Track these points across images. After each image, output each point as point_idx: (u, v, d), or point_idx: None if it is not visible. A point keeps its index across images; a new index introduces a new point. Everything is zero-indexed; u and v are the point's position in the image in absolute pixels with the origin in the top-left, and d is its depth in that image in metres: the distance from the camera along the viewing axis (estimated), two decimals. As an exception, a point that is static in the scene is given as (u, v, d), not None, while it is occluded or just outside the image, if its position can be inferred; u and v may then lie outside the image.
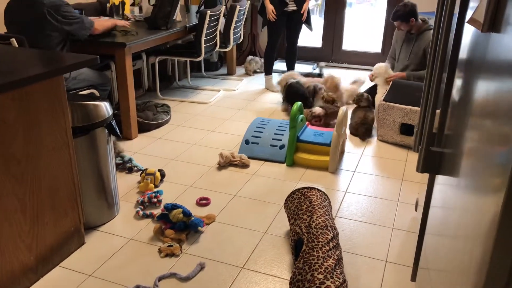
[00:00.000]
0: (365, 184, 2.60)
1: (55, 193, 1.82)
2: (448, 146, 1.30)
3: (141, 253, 1.96)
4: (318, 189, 2.08)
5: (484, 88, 0.96)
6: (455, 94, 1.31)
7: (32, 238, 1.73)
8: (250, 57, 4.93)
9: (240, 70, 4.99)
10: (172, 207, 2.10)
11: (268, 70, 4.37)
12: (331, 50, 5.25)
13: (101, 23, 2.96)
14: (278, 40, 4.27)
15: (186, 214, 2.07)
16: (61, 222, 1.87)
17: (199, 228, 2.08)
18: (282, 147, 2.88)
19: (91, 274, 1.82)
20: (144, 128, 3.27)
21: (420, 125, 1.43)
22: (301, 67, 4.78)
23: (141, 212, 2.24)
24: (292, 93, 3.69)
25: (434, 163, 1.31)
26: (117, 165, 2.71)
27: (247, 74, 4.86)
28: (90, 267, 1.86)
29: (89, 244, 2.01)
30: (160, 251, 1.96)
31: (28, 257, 1.72)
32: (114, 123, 2.10)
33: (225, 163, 2.78)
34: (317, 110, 3.37)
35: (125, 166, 2.71)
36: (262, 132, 3.01)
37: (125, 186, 2.51)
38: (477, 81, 1.03)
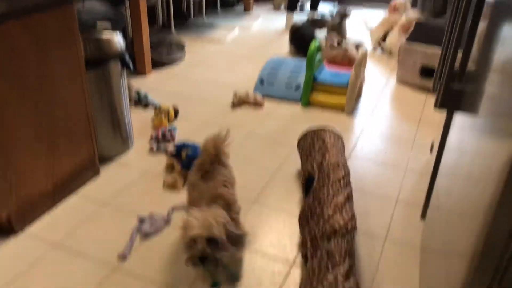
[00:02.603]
0: (381, 126, 2.56)
1: (69, 124, 1.83)
2: (469, 83, 1.25)
3: (155, 186, 2.00)
4: (332, 130, 2.06)
5: (509, 29, 0.90)
6: (481, 31, 1.24)
7: (49, 165, 1.77)
8: None
9: (257, 7, 4.83)
10: (183, 146, 2.11)
11: (291, 5, 4.15)
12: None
13: None
14: None
15: (193, 155, 2.06)
16: (76, 152, 1.91)
17: None
18: (297, 87, 2.83)
19: (106, 203, 1.87)
20: (158, 64, 3.24)
21: (441, 62, 1.37)
22: (323, 7, 4.61)
23: (154, 147, 2.27)
24: (298, 36, 3.55)
25: (453, 99, 1.27)
26: (134, 101, 2.72)
27: (276, 8, 4.68)
28: (105, 196, 1.91)
29: (104, 175, 2.06)
30: (164, 183, 1.99)
31: (45, 184, 1.77)
32: (127, 56, 2.07)
33: (239, 102, 2.76)
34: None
35: (141, 102, 2.72)
36: (277, 71, 2.96)
37: (139, 121, 2.53)
38: (502, 22, 0.97)
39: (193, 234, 1.27)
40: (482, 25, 1.24)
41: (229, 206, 1.47)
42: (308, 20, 3.72)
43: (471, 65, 1.30)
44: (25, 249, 1.62)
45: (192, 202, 1.51)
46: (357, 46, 3.55)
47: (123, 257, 1.58)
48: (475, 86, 1.15)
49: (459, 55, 1.30)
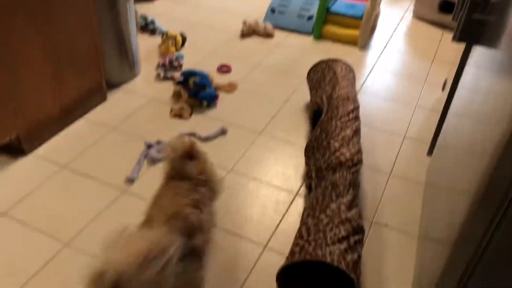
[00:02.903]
0: (394, 62, 2.50)
1: (76, 47, 1.79)
2: (492, 14, 1.19)
3: (162, 113, 1.99)
4: (344, 62, 2.01)
5: None
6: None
7: (55, 89, 1.76)
8: None
9: None
10: (189, 74, 2.07)
11: None
12: None
13: None
14: None
15: (200, 83, 2.03)
16: (83, 77, 1.88)
17: (208, 102, 2.03)
18: (310, 18, 2.73)
19: (113, 128, 1.88)
20: (166, -11, 3.11)
21: (464, -9, 1.30)
22: None
23: (161, 75, 2.23)
24: None
25: (473, 31, 1.22)
26: (140, 27, 2.64)
27: None
28: (112, 121, 1.91)
29: (111, 101, 2.05)
30: (171, 110, 1.98)
31: (53, 107, 1.77)
32: (134, -23, 1.98)
33: (249, 32, 2.68)
34: None
35: (148, 28, 2.64)
36: (289, 1, 2.84)
37: (146, 48, 2.47)
38: None
39: (98, 269, 0.89)
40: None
41: (191, 233, 1.05)
42: None
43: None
44: (34, 169, 1.65)
45: (147, 221, 1.12)
46: None
47: (130, 180, 1.61)
48: (499, 17, 1.09)
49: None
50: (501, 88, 0.89)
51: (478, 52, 1.29)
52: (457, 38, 1.25)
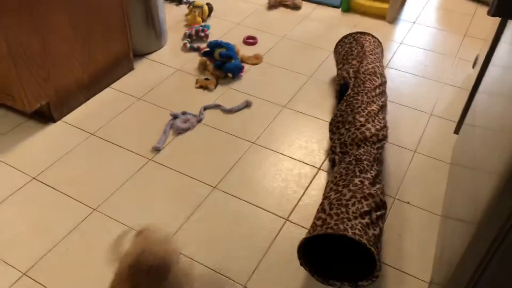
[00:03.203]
0: (424, 36, 2.43)
1: (104, 16, 1.81)
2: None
3: (188, 84, 2.00)
4: (372, 35, 1.97)
5: None
6: None
7: (84, 57, 1.78)
8: None
9: None
10: (216, 45, 2.06)
11: None
12: None
13: None
14: None
15: (226, 55, 2.02)
16: (111, 45, 1.90)
17: (234, 74, 2.03)
18: (339, -11, 2.67)
19: (140, 97, 1.90)
20: (193, -42, 3.07)
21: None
22: None
23: (188, 45, 2.24)
24: None
25: (510, 6, 1.17)
26: (166, -4, 2.63)
27: None
28: (139, 91, 1.94)
29: (138, 70, 2.07)
30: (196, 82, 1.99)
31: (82, 75, 1.80)
32: None
33: (276, 3, 2.64)
34: None
35: (174, -3, 2.63)
36: (319, -29, 2.77)
37: (173, 18, 2.47)
38: None
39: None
40: None
41: None
42: None
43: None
44: (63, 136, 1.70)
45: None
46: None
47: (156, 149, 1.64)
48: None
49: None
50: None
51: (513, 31, 1.25)
52: (493, 12, 1.20)
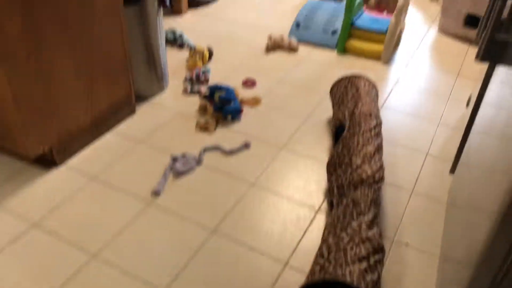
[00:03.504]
0: (418, 77, 2.49)
1: (107, 60, 1.87)
2: (515, 35, 1.19)
3: (188, 127, 2.05)
4: (367, 78, 2.03)
5: None
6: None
7: (87, 101, 1.83)
8: None
9: None
10: (215, 89, 2.12)
11: None
12: None
13: None
14: None
15: (226, 98, 2.08)
16: (113, 90, 1.96)
17: (233, 116, 2.08)
18: (334, 32, 2.76)
19: (141, 141, 1.94)
20: (194, 4, 3.20)
21: (488, 10, 1.31)
22: None
23: (189, 88, 2.30)
24: None
25: (496, 52, 1.22)
26: (169, 41, 2.72)
27: None
28: (140, 134, 1.98)
29: (139, 114, 2.12)
30: (196, 124, 2.04)
31: (84, 119, 1.85)
32: (164, -6, 2.06)
33: (274, 46, 2.72)
34: None
35: (176, 42, 2.72)
36: (314, 15, 2.87)
37: (174, 62, 2.54)
38: None
39: None
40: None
41: None
42: None
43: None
44: (65, 180, 1.72)
45: None
46: None
47: (156, 193, 1.66)
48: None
49: (509, 2, 1.23)
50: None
51: (503, 71, 1.29)
52: (480, 57, 1.25)
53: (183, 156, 1.83)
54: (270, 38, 2.71)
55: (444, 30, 2.95)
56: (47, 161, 1.78)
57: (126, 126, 2.03)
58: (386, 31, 2.57)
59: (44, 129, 1.68)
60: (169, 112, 2.14)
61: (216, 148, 1.91)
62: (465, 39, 2.87)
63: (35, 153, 1.68)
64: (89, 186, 1.70)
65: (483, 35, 1.24)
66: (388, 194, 1.71)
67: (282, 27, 2.98)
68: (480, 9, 2.71)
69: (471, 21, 2.80)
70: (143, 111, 2.14)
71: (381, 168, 1.59)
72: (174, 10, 3.10)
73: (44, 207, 1.60)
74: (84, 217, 1.57)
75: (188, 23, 3.00)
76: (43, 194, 1.66)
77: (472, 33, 2.81)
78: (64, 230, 1.52)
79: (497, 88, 1.31)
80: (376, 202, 1.46)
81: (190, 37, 2.78)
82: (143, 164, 1.81)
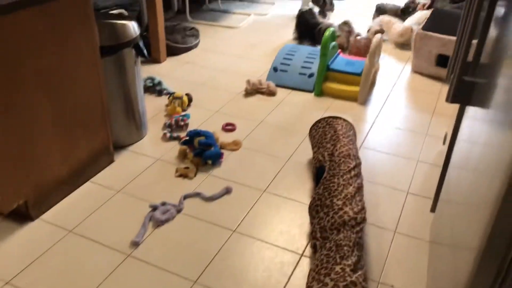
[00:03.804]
0: (394, 116, 2.54)
1: (84, 111, 1.86)
2: (481, 76, 1.23)
3: (168, 173, 2.03)
4: (344, 119, 2.06)
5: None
6: (495, 22, 1.22)
7: (64, 152, 1.81)
8: None
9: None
10: (195, 134, 2.13)
11: None
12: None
13: None
14: None
15: (205, 143, 2.07)
16: (91, 139, 1.94)
17: (213, 161, 2.07)
18: (311, 75, 2.82)
19: (120, 190, 1.91)
20: (172, 51, 3.25)
21: (455, 53, 1.36)
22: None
23: (168, 135, 2.29)
24: (302, 23, 3.49)
25: (465, 93, 1.26)
26: (147, 88, 2.74)
27: None
28: (119, 183, 1.95)
29: (118, 162, 2.09)
30: (176, 171, 2.02)
31: (61, 171, 1.81)
32: (141, 43, 2.09)
33: (252, 90, 2.76)
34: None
35: (155, 89, 2.74)
36: (291, 59, 2.94)
37: (153, 108, 2.55)
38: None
39: None
40: (497, 14, 1.22)
41: None
42: (311, 7, 3.68)
43: (484, 57, 1.28)
44: (40, 235, 1.67)
45: None
46: (377, 33, 3.49)
47: (135, 244, 1.62)
48: (488, 79, 1.14)
49: (474, 42, 1.28)
50: (494, 143, 0.91)
51: (473, 109, 1.33)
52: (450, 99, 1.29)
53: (163, 204, 1.80)
54: (248, 82, 2.76)
55: (417, 70, 3.05)
56: (22, 215, 1.73)
57: (104, 176, 2.00)
58: (361, 73, 2.64)
59: (19, 182, 1.64)
60: (148, 159, 2.12)
61: (196, 194, 1.88)
62: (438, 78, 2.97)
63: (9, 209, 1.63)
64: (66, 240, 1.64)
65: (451, 77, 1.28)
66: (371, 234, 1.70)
67: (260, 71, 3.04)
68: (450, 50, 2.81)
69: (442, 61, 2.90)
70: (122, 159, 2.12)
71: (362, 209, 1.59)
72: (153, 58, 3.14)
73: (17, 265, 1.54)
74: (59, 274, 1.51)
75: (167, 70, 3.04)
76: (16, 251, 1.59)
77: (444, 72, 2.91)
78: None
79: (469, 125, 1.34)
80: (360, 245, 1.44)
81: (169, 84, 2.81)
82: (121, 214, 1.77)
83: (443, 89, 2.86)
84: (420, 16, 3.42)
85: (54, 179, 1.79)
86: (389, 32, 3.52)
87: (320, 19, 3.48)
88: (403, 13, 3.75)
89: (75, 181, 1.90)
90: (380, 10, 3.92)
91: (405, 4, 3.75)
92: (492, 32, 1.23)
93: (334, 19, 4.09)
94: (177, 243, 1.64)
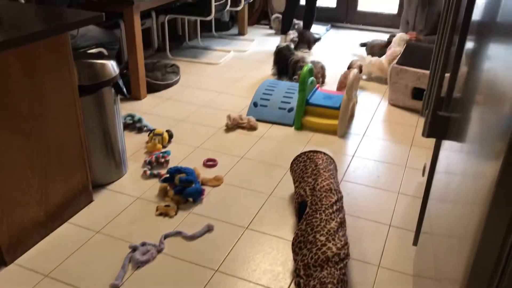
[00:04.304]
0: (374, 148, 2.58)
1: (62, 151, 1.84)
2: (455, 111, 1.27)
3: (148, 212, 1.99)
4: (324, 153, 2.07)
5: (492, 52, 0.93)
6: (466, 57, 1.27)
7: (41, 194, 1.77)
8: (275, 15, 4.84)
9: (251, 30, 4.90)
10: (175, 171, 2.11)
11: (284, 29, 4.30)
12: (346, 11, 5.10)
13: None
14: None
15: (186, 180, 2.06)
16: (70, 180, 1.91)
17: (194, 198, 2.06)
18: (290, 110, 2.86)
19: (98, 231, 1.86)
20: (153, 88, 3.26)
21: (429, 88, 1.39)
22: (315, 28, 4.67)
23: (148, 172, 2.27)
24: (280, 59, 3.56)
25: (440, 128, 1.29)
26: (127, 125, 2.73)
27: (276, 33, 4.76)
28: (98, 224, 1.91)
29: (97, 202, 2.05)
30: (156, 209, 1.99)
31: (38, 213, 1.77)
32: (121, 82, 2.09)
33: (233, 125, 2.78)
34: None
35: (135, 126, 2.73)
36: (271, 94, 2.98)
37: (133, 145, 2.53)
38: (486, 45, 0.99)
39: None
40: (466, 49, 1.27)
41: None
42: (289, 44, 3.77)
43: (457, 92, 1.32)
44: (16, 281, 1.60)
45: None
46: (358, 67, 3.59)
47: (114, 286, 1.57)
48: (461, 114, 1.17)
49: (447, 75, 1.32)
50: (472, 175, 0.93)
51: (449, 142, 1.35)
52: (426, 134, 1.32)
53: (143, 244, 1.76)
54: (229, 117, 2.77)
55: (394, 103, 3.12)
56: (-4, 260, 1.66)
57: (83, 216, 1.95)
58: (339, 107, 2.68)
59: (-7, 226, 1.59)
60: (128, 198, 2.09)
61: (177, 233, 1.85)
62: (415, 110, 3.04)
63: (-18, 253, 1.57)
64: (42, 285, 1.58)
65: (426, 112, 1.31)
66: (355, 269, 1.68)
67: (240, 106, 3.07)
68: (425, 83, 2.90)
69: (417, 94, 2.98)
70: (101, 198, 2.08)
71: (346, 244, 1.58)
72: (133, 96, 3.14)
73: (-11, 313, 1.47)
74: (34, 321, 1.44)
75: (147, 107, 3.04)
76: (-11, 298, 1.53)
77: (419, 104, 2.98)
78: (11, 338, 1.38)
79: (447, 157, 1.36)
80: (344, 281, 1.43)
81: (149, 121, 2.80)
82: (100, 256, 1.72)
83: (420, 121, 2.92)
84: (394, 51, 3.53)
85: (30, 221, 1.74)
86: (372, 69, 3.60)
87: (298, 54, 3.56)
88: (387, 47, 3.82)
89: (53, 223, 1.85)
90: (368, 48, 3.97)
91: (388, 39, 3.85)
92: (463, 67, 1.27)
93: (317, 55, 4.20)
94: (158, 284, 1.60)
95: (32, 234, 1.76)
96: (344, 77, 3.24)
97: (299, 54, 3.57)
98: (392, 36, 3.77)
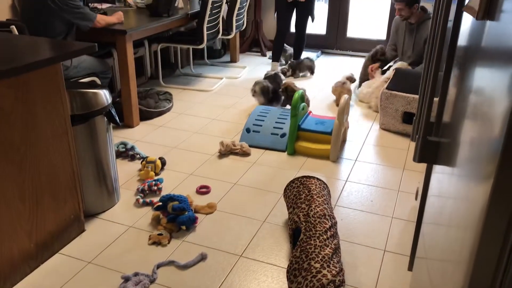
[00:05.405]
0: (366, 173, 2.59)
1: (54, 181, 1.82)
2: (445, 135, 1.28)
3: (141, 241, 1.97)
4: (317, 178, 2.07)
5: (478, 76, 0.95)
6: (453, 82, 1.29)
7: (32, 225, 1.74)
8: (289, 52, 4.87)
9: (243, 57, 4.96)
10: (168, 199, 2.10)
11: (275, 56, 4.41)
12: (336, 37, 5.20)
13: (104, 18, 2.93)
14: (286, 26, 4.30)
15: (179, 208, 2.05)
16: (61, 210, 1.89)
17: (187, 226, 2.04)
18: (283, 135, 2.87)
19: (90, 261, 1.83)
20: (145, 116, 3.27)
21: (418, 114, 1.41)
22: (305, 55, 4.75)
23: (141, 200, 2.25)
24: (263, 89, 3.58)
25: (431, 152, 1.30)
26: (120, 153, 2.72)
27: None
28: (89, 254, 1.88)
29: (89, 232, 2.03)
30: (149, 238, 1.97)
31: (28, 244, 1.74)
32: (113, 111, 2.10)
33: (226, 152, 2.78)
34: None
35: (128, 154, 2.72)
36: (263, 120, 3.00)
37: (126, 173, 2.52)
38: (472, 70, 1.02)
39: None
40: (454, 74, 1.29)
41: None
42: (277, 72, 3.83)
43: (446, 117, 1.34)
44: (4, 313, 1.57)
45: None
46: (349, 78, 3.65)
47: (106, 319, 1.53)
48: (451, 138, 1.18)
49: (436, 100, 1.34)
50: (464, 198, 0.93)
51: (440, 166, 1.36)
52: (417, 159, 1.33)
53: (135, 275, 1.73)
54: (222, 144, 2.78)
55: (385, 127, 3.15)
56: (-16, 293, 1.63)
57: (74, 246, 1.92)
58: (331, 132, 2.70)
59: (-19, 258, 1.56)
60: (120, 227, 2.07)
61: (170, 262, 1.82)
62: (406, 134, 3.06)
63: (-30, 287, 1.54)
64: (31, 319, 1.55)
65: (417, 137, 1.33)
66: (351, 296, 1.66)
67: (233, 133, 3.08)
68: (415, 107, 2.94)
69: (408, 118, 3.01)
70: (93, 228, 2.05)
71: (341, 271, 1.56)
72: (125, 123, 3.15)
73: None
74: None
75: (140, 135, 3.04)
76: (-24, 334, 1.48)
77: (410, 128, 3.01)
78: None
79: (439, 181, 1.37)
80: (339, 309, 1.41)
81: (142, 148, 2.80)
82: (92, 287, 1.69)
83: (412, 144, 2.94)
84: (384, 76, 3.59)
85: (20, 253, 1.71)
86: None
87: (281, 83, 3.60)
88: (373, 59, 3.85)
89: (43, 254, 1.82)
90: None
91: (373, 51, 3.89)
92: (452, 91, 1.30)
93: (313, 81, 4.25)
94: (151, 316, 1.56)
95: (22, 266, 1.73)
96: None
97: (288, 80, 3.61)
98: (380, 48, 3.82)
